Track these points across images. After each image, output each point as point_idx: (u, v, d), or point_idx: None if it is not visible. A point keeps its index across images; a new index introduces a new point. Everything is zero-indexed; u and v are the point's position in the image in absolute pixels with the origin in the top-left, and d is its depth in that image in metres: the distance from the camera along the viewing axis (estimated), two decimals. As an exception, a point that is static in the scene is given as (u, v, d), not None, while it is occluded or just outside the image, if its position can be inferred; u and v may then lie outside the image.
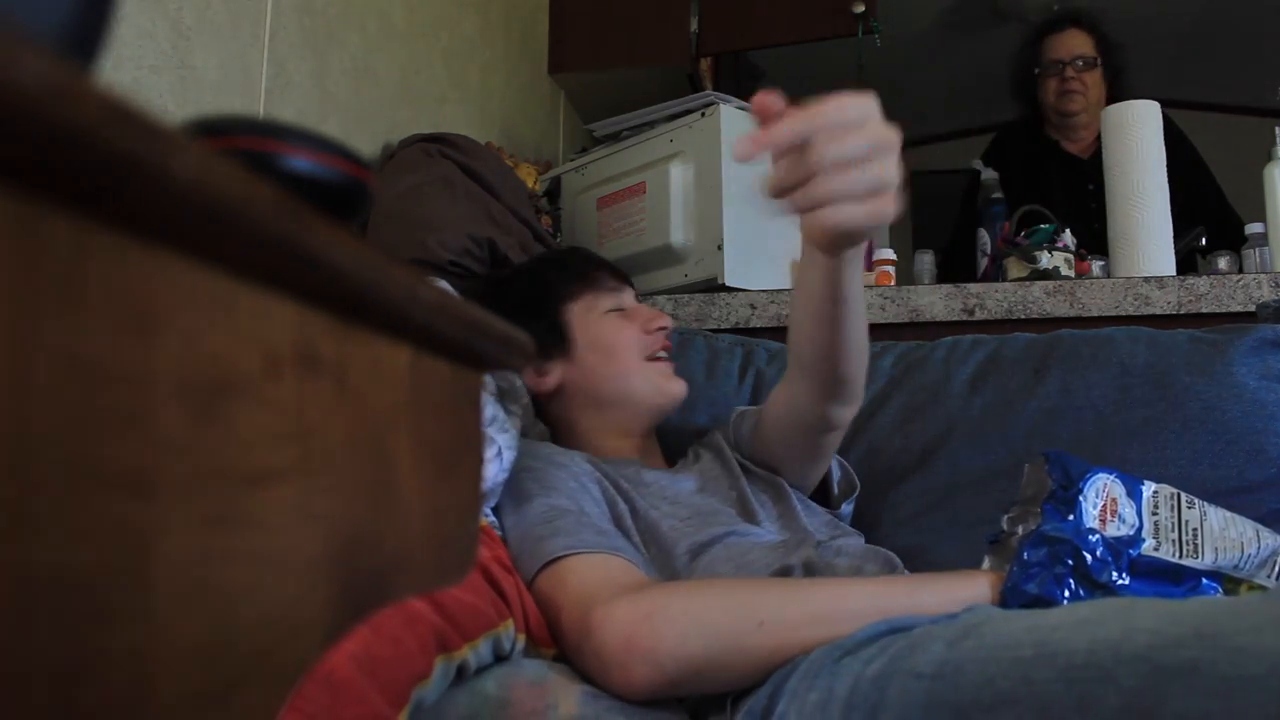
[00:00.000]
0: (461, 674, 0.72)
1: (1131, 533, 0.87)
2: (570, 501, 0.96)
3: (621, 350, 1.16)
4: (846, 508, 1.19)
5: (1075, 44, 2.25)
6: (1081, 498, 0.87)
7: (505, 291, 1.24)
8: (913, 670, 0.61)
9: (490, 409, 0.97)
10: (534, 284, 1.23)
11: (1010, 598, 0.82)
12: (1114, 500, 0.88)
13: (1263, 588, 0.89)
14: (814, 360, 0.97)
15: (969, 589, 0.83)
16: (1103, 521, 0.87)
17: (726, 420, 1.22)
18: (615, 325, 1.18)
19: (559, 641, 0.85)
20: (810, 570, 0.94)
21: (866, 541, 1.09)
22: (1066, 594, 0.82)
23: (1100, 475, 0.89)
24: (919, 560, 1.06)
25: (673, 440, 1.25)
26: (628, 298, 1.23)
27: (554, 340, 1.17)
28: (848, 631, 0.73)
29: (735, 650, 0.76)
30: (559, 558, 0.87)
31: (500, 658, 0.79)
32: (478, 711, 0.72)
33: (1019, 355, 1.28)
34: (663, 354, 1.19)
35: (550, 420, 1.21)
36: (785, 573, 0.93)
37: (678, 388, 1.18)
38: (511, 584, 0.84)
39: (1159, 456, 1.13)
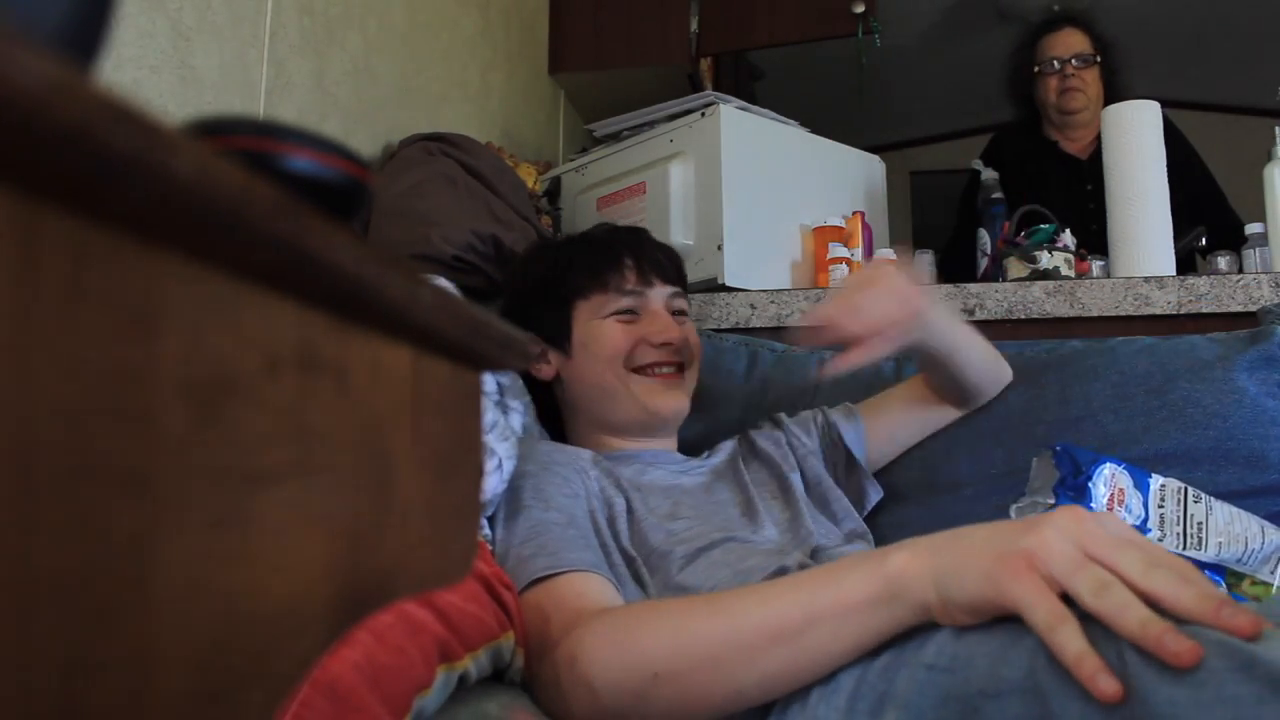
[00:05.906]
0: (463, 683, 0.72)
1: (1137, 523, 0.88)
2: (559, 513, 0.94)
3: (605, 358, 1.12)
4: (875, 495, 1.21)
5: (1073, 42, 2.26)
6: (1091, 484, 0.88)
7: (531, 267, 1.23)
8: (921, 661, 0.62)
9: (491, 414, 0.96)
10: (554, 268, 1.19)
11: None
12: (1121, 490, 0.89)
13: (1266, 583, 0.90)
14: (948, 391, 1.22)
15: (886, 562, 0.77)
16: (1110, 509, 0.87)
17: (753, 421, 1.26)
18: (611, 331, 1.13)
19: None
20: None
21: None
22: None
23: (1108, 464, 0.90)
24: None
25: (705, 436, 1.28)
26: (654, 298, 1.16)
27: (558, 331, 1.16)
28: (782, 659, 0.68)
29: (665, 680, 0.71)
30: (539, 579, 0.86)
31: (499, 669, 0.79)
32: None
33: (1018, 366, 1.27)
34: (663, 369, 1.14)
35: (553, 411, 1.21)
36: (780, 574, 0.92)
37: (665, 404, 1.13)
38: (512, 599, 0.84)
39: (1159, 463, 1.13)
